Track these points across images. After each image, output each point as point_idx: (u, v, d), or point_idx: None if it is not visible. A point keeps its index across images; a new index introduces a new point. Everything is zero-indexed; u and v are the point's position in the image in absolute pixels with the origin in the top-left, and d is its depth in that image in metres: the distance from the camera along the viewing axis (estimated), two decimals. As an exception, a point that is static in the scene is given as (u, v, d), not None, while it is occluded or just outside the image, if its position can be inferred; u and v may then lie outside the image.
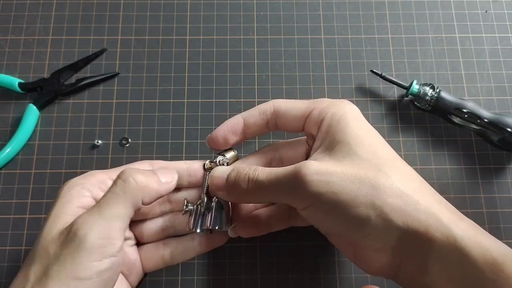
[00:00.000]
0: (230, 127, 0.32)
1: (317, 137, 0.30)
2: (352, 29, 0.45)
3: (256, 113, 0.32)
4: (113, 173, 0.31)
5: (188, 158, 0.40)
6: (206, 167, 0.33)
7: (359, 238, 0.27)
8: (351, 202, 0.25)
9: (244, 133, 0.32)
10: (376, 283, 0.37)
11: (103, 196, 0.28)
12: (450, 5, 0.46)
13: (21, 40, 0.43)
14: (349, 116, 0.29)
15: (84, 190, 0.29)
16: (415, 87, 0.40)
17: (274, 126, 0.32)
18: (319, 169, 0.26)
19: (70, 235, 0.25)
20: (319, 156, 0.29)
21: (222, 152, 0.34)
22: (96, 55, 0.43)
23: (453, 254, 0.25)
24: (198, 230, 0.32)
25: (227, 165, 0.33)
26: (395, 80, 0.41)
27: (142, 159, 0.40)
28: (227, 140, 0.32)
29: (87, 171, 0.39)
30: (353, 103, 0.41)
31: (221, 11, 0.45)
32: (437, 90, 0.40)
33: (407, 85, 0.41)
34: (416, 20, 0.45)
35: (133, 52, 0.43)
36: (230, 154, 0.34)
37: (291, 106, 0.31)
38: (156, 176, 0.30)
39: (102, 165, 0.39)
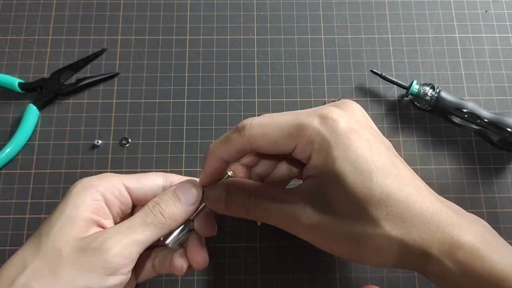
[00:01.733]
0: (210, 175, 0.30)
1: (308, 167, 0.28)
2: (352, 29, 0.45)
3: (234, 152, 0.28)
4: (128, 179, 0.31)
5: (188, 158, 0.40)
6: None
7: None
8: (343, 253, 0.27)
9: (227, 166, 0.31)
10: (376, 283, 0.37)
11: (135, 218, 0.28)
12: (450, 5, 0.46)
13: (21, 40, 0.43)
14: (335, 151, 0.26)
15: (97, 193, 0.29)
16: (415, 87, 0.40)
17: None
18: (311, 226, 0.27)
19: (93, 244, 0.26)
20: (310, 191, 0.27)
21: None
22: (96, 55, 0.43)
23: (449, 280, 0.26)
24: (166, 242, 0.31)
25: None
26: (395, 80, 0.41)
27: (142, 159, 0.40)
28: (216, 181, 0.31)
29: (87, 171, 0.39)
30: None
31: (221, 11, 0.45)
32: (437, 90, 0.40)
33: (407, 85, 0.41)
34: (416, 20, 0.45)
35: (133, 52, 0.43)
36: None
37: (271, 142, 0.27)
38: (181, 205, 0.30)
39: (102, 165, 0.40)
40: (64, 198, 0.29)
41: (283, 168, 0.33)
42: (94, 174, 0.38)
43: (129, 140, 0.40)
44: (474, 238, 0.25)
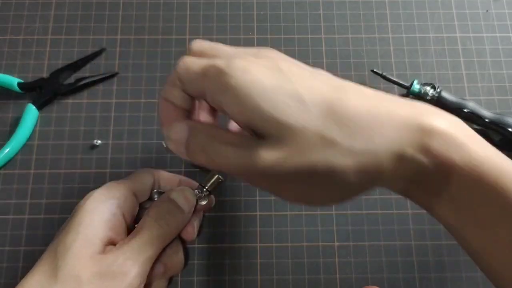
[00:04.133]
0: (167, 113, 0.27)
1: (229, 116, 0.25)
2: (352, 28, 0.45)
3: (170, 87, 0.26)
4: (131, 184, 0.30)
5: (187, 158, 0.40)
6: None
7: None
8: (311, 196, 0.25)
9: (182, 111, 0.27)
10: (376, 283, 0.36)
11: (142, 233, 0.27)
12: (450, 4, 0.46)
13: (20, 39, 0.43)
14: (249, 89, 0.22)
15: (115, 207, 0.28)
16: (416, 86, 0.40)
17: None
18: (268, 170, 0.23)
19: (112, 269, 0.26)
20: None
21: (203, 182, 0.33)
22: (95, 55, 0.43)
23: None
24: None
25: (208, 192, 0.33)
26: (396, 80, 0.41)
27: (142, 159, 0.40)
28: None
29: (86, 171, 0.39)
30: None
31: (221, 11, 0.45)
32: (438, 90, 0.40)
33: (408, 84, 0.41)
34: (417, 19, 0.45)
35: (132, 52, 0.43)
36: (209, 183, 0.33)
37: (190, 80, 0.26)
38: (182, 214, 0.30)
39: (102, 165, 0.39)
40: (77, 215, 0.27)
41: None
42: (94, 174, 0.39)
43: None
44: (449, 126, 0.22)
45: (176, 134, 0.26)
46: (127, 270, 0.26)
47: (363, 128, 0.22)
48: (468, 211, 0.22)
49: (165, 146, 0.31)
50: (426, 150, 0.22)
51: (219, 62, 0.23)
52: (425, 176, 0.22)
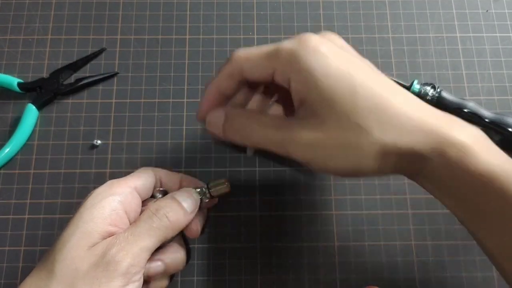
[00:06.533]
0: (211, 102, 0.31)
1: (292, 94, 0.28)
2: (352, 28, 0.45)
3: (225, 78, 0.30)
4: (133, 181, 0.31)
5: (187, 158, 0.40)
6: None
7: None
8: (340, 166, 0.27)
9: (224, 99, 0.31)
10: (376, 283, 0.36)
11: (139, 224, 0.28)
12: (451, 4, 0.46)
13: (20, 39, 0.43)
14: (316, 71, 0.26)
15: (116, 203, 0.29)
16: (416, 86, 0.40)
17: (246, 82, 0.31)
18: (308, 146, 0.27)
19: (106, 258, 0.26)
20: (303, 116, 0.28)
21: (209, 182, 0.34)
22: (95, 55, 0.43)
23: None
24: None
25: (210, 196, 0.33)
26: (396, 80, 0.41)
27: (142, 159, 0.40)
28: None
29: (86, 171, 0.39)
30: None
31: (221, 11, 0.45)
32: (438, 90, 0.40)
33: (407, 84, 0.41)
34: (417, 19, 0.45)
35: (132, 52, 0.43)
36: (215, 189, 0.33)
37: (255, 64, 0.29)
38: (184, 212, 0.30)
39: (102, 165, 0.39)
40: (78, 212, 0.28)
41: (257, 98, 0.33)
42: (94, 174, 0.39)
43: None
44: (467, 138, 0.26)
45: (215, 119, 0.30)
46: (119, 259, 0.26)
47: (396, 126, 0.26)
48: (477, 212, 0.26)
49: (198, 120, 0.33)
50: (443, 154, 0.25)
51: (290, 44, 0.27)
52: (436, 173, 0.26)
